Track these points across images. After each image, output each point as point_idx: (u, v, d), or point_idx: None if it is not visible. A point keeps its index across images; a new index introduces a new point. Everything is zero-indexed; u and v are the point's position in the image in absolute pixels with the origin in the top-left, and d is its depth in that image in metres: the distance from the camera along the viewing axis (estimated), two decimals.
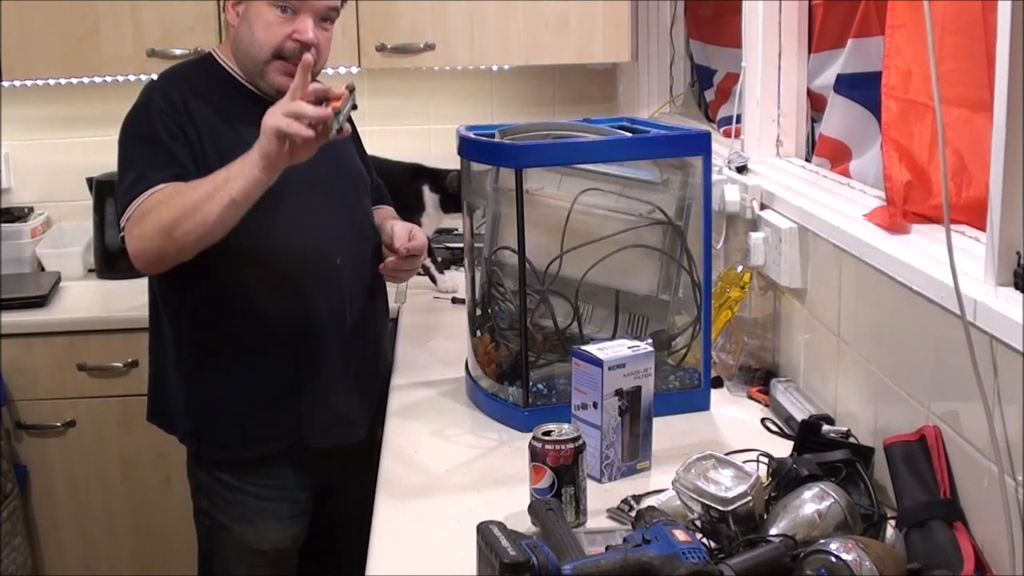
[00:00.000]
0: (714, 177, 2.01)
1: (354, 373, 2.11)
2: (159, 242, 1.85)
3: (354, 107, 1.77)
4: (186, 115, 1.95)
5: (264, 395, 2.04)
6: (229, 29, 2.06)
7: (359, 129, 2.34)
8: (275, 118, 1.71)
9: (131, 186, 1.90)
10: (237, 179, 1.77)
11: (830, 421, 1.76)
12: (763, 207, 2.07)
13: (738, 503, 1.40)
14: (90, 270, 3.15)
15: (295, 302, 2.01)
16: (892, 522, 1.44)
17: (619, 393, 1.68)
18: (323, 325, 2.03)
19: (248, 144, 1.79)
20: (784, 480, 1.48)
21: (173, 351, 2.07)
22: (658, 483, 1.65)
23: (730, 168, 2.20)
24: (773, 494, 1.48)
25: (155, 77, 2.07)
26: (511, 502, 1.58)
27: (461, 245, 2.73)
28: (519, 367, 1.90)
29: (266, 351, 2.02)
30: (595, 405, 1.68)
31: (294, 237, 2.00)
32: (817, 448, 1.59)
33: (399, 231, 2.14)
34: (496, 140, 1.93)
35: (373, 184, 2.30)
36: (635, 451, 1.71)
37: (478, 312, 2.06)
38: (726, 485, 1.43)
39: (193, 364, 2.06)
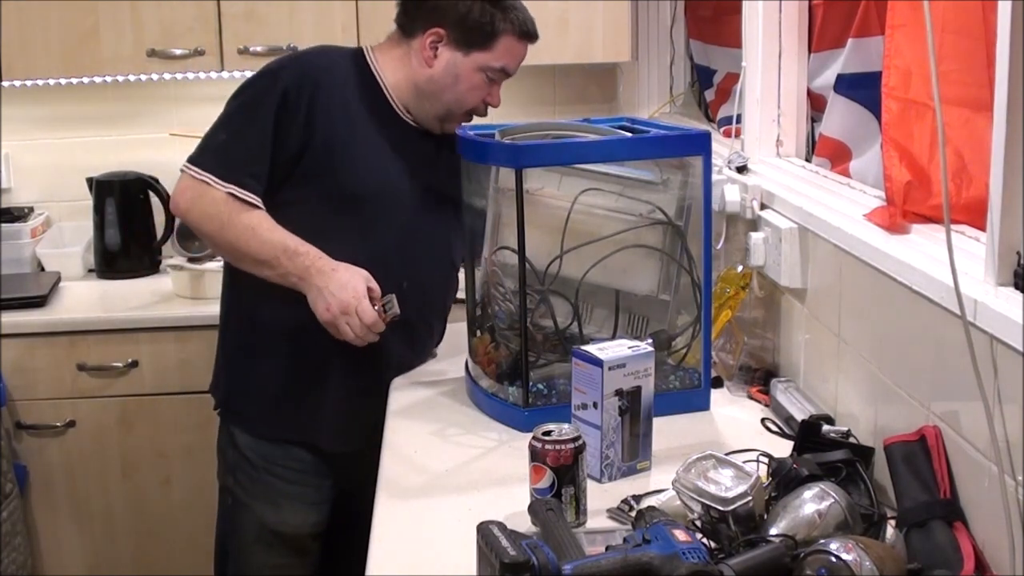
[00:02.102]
0: (714, 177, 2.01)
1: (380, 394, 2.12)
2: (193, 225, 2.08)
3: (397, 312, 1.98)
4: (307, 101, 2.01)
5: (289, 389, 2.11)
6: (400, 45, 2.12)
7: None
8: (343, 324, 1.93)
9: (215, 149, 2.03)
10: (277, 275, 1.98)
11: (830, 421, 1.76)
12: (763, 207, 2.06)
13: (738, 503, 1.40)
14: (90, 270, 3.15)
15: None
16: (892, 522, 1.44)
17: (619, 393, 1.68)
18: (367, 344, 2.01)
19: (361, 151, 2.04)
20: (784, 480, 1.48)
21: (224, 311, 2.21)
22: (658, 483, 1.65)
23: (730, 168, 2.20)
24: (773, 494, 1.48)
25: (303, 48, 2.26)
26: (511, 502, 1.58)
27: None
28: (519, 367, 1.90)
29: (303, 350, 2.07)
30: (595, 405, 1.67)
31: (363, 252, 2.03)
32: (817, 448, 1.59)
33: None
34: (496, 140, 1.93)
35: None
36: (635, 451, 1.71)
37: (478, 312, 2.06)
38: (726, 485, 1.42)
39: (231, 331, 2.18)
